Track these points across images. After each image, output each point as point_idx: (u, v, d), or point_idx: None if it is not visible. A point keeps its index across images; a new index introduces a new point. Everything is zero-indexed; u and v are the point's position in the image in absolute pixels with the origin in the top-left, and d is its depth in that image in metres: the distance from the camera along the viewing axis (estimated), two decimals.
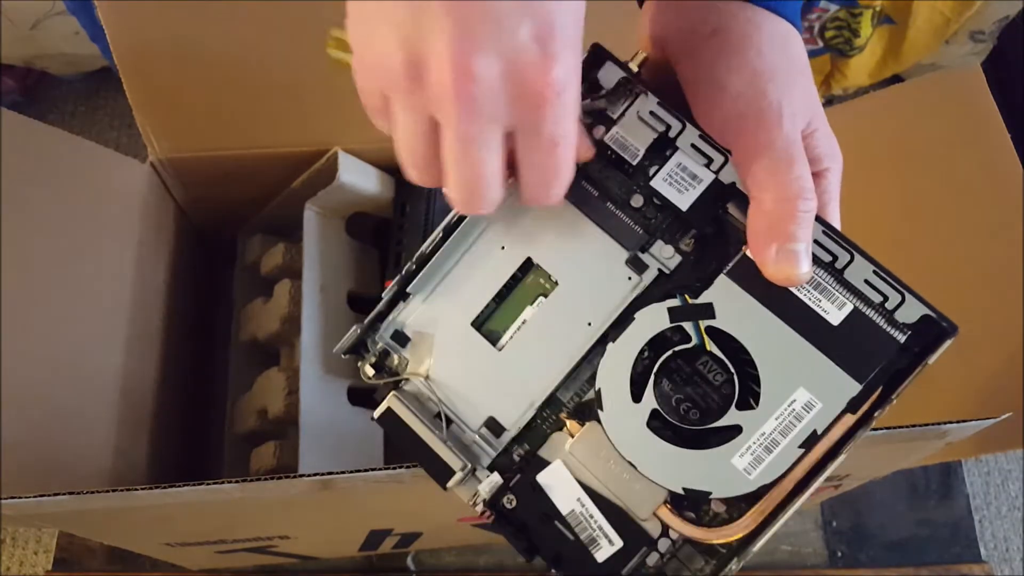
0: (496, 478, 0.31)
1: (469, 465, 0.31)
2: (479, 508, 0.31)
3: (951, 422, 0.38)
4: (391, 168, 0.62)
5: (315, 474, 0.38)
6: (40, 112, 1.19)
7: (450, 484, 0.31)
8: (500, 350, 0.32)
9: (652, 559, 0.30)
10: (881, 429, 0.37)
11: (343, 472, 0.39)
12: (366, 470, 0.38)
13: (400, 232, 0.60)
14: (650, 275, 0.31)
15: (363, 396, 0.59)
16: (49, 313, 0.50)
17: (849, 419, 0.28)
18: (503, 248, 0.32)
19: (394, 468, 0.38)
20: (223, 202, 0.66)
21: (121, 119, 1.19)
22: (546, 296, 0.32)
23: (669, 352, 0.30)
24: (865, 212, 0.56)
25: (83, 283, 0.53)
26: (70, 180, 0.54)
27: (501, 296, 0.32)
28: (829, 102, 1.19)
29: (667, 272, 0.31)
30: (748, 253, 0.29)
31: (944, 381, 0.51)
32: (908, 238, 0.54)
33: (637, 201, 0.31)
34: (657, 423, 0.29)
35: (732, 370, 0.29)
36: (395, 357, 0.33)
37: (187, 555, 0.59)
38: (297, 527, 0.53)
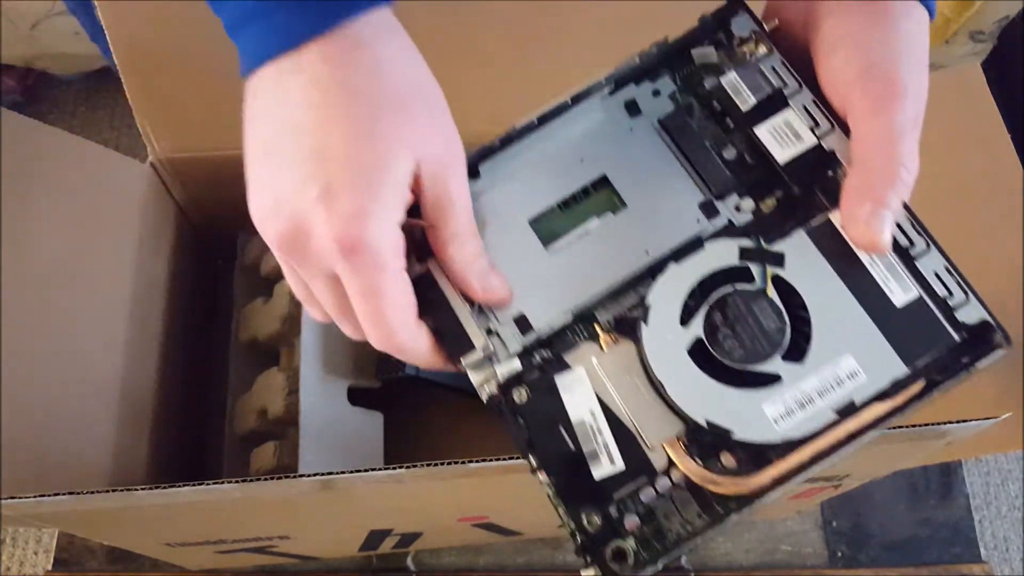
0: (516, 363, 0.30)
1: (492, 347, 0.30)
2: (489, 391, 0.30)
3: (951, 422, 0.38)
4: None
5: (315, 474, 0.38)
6: (40, 112, 1.19)
7: (466, 361, 0.30)
8: (551, 253, 0.32)
9: (647, 494, 0.28)
10: None
11: (343, 472, 0.39)
12: (366, 470, 0.38)
13: None
14: (720, 222, 0.31)
15: (363, 396, 0.59)
16: (49, 313, 0.50)
17: (887, 402, 0.28)
18: (582, 160, 0.32)
19: (394, 468, 0.38)
20: (223, 202, 0.66)
21: (121, 119, 1.19)
22: (612, 214, 0.32)
23: (729, 287, 0.30)
24: None
25: (83, 283, 0.53)
26: (70, 180, 0.54)
27: (566, 203, 0.32)
28: None
29: (736, 225, 0.31)
30: (831, 217, 0.30)
31: None
32: None
33: (730, 152, 0.32)
34: (697, 352, 0.29)
35: (786, 320, 0.29)
36: None
37: (187, 555, 0.59)
38: (297, 527, 0.53)
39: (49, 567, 0.67)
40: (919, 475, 0.69)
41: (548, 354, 0.31)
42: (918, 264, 0.30)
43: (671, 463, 0.28)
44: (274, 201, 0.27)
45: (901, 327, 0.29)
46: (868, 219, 0.28)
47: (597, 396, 0.29)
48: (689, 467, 0.28)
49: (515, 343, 0.31)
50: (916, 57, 0.30)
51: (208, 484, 0.38)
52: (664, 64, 0.34)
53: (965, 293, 0.29)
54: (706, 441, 0.28)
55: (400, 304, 0.28)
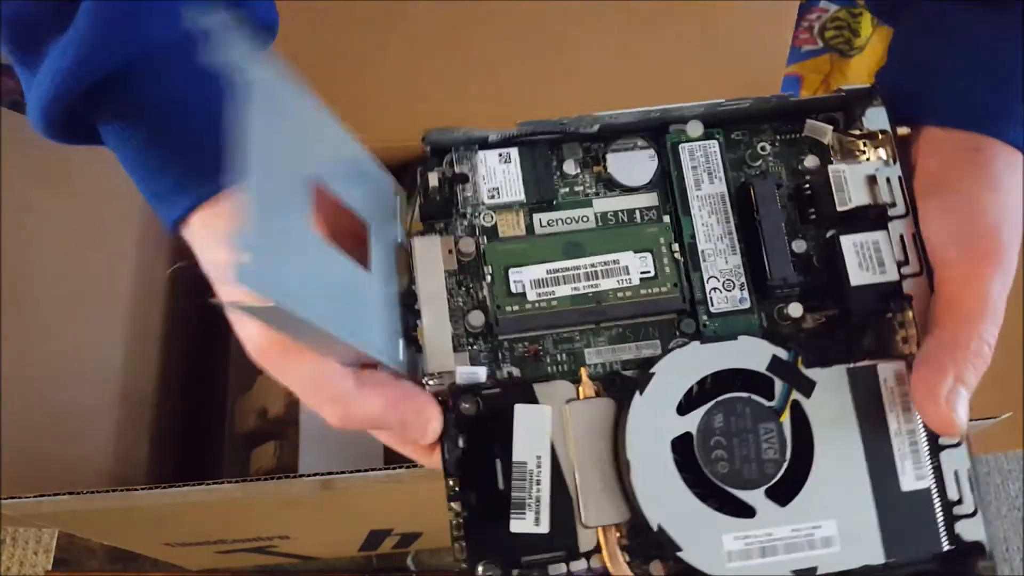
0: (481, 371, 0.27)
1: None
2: (434, 385, 0.26)
3: None
4: (391, 168, 0.61)
5: (315, 474, 0.38)
6: None
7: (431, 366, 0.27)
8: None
9: (557, 570, 0.26)
10: None
11: (343, 472, 0.39)
12: (366, 470, 0.38)
13: None
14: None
15: None
16: (49, 312, 0.50)
17: None
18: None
19: (394, 468, 0.38)
20: None
21: None
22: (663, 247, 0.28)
23: (744, 394, 0.27)
24: None
25: (83, 282, 0.53)
26: (70, 180, 0.54)
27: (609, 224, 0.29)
28: None
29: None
30: (879, 368, 0.27)
31: None
32: None
33: (800, 245, 0.29)
34: (680, 448, 0.26)
35: (787, 456, 0.26)
36: (461, 191, 0.31)
37: (187, 555, 0.59)
38: (297, 527, 0.53)
39: (49, 567, 0.67)
40: None
41: (517, 374, 0.27)
42: (943, 456, 0.27)
43: (596, 549, 0.26)
44: None
45: (897, 513, 0.26)
46: (948, 396, 0.26)
47: (552, 444, 0.26)
48: (615, 563, 0.25)
49: (484, 344, 0.28)
50: (1015, 213, 0.28)
51: (208, 484, 0.38)
52: (770, 119, 0.30)
53: (975, 507, 0.27)
54: (645, 542, 0.26)
55: None
